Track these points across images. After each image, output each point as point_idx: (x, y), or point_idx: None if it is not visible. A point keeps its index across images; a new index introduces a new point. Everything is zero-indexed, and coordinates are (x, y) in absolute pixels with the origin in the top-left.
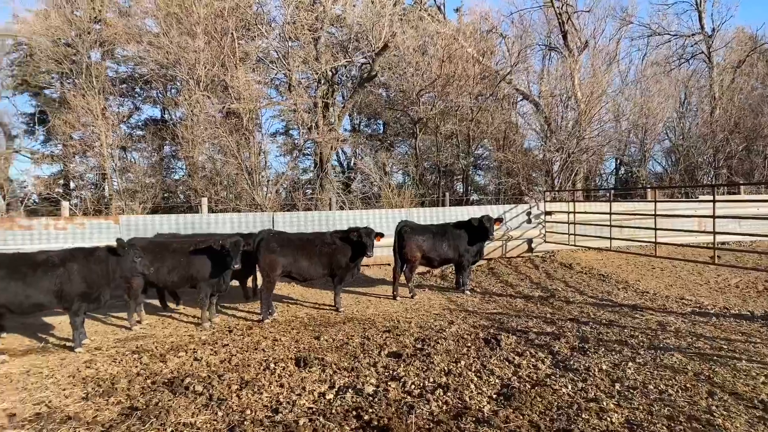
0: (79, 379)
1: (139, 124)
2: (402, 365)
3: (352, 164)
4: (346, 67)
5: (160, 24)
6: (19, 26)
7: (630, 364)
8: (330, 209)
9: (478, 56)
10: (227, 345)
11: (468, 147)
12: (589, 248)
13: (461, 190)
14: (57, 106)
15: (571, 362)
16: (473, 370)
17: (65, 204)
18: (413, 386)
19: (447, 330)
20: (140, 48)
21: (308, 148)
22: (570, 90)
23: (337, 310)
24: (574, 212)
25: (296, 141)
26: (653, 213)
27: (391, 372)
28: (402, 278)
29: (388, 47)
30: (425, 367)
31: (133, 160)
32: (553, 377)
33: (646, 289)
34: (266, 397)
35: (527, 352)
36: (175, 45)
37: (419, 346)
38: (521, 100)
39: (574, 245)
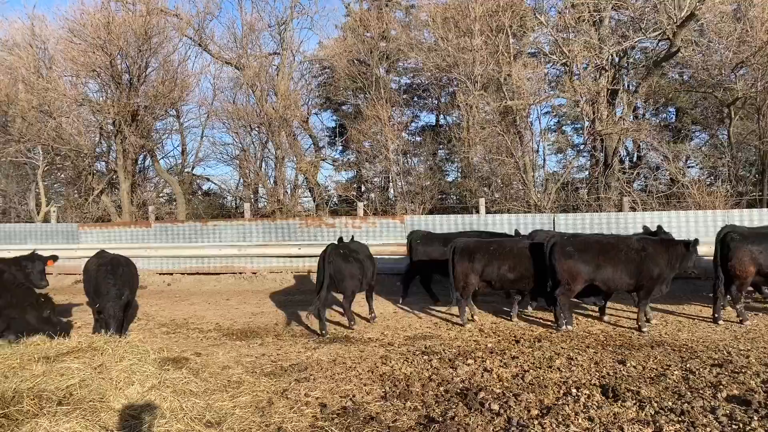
0: (377, 376)
1: (417, 130)
2: (756, 418)
3: (634, 159)
4: (634, 49)
5: (438, 29)
6: (324, 51)
7: None
8: (621, 210)
9: None
10: (516, 357)
11: None
12: None
13: None
14: (352, 118)
15: None
16: None
17: (360, 205)
18: None
19: None
20: (420, 55)
21: (583, 144)
22: None
23: (640, 329)
24: None
25: (570, 137)
26: None
27: (741, 426)
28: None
29: (695, 15)
30: None
31: (413, 164)
32: None
33: None
34: None
35: None
36: (453, 47)
37: None
38: None
39: None
